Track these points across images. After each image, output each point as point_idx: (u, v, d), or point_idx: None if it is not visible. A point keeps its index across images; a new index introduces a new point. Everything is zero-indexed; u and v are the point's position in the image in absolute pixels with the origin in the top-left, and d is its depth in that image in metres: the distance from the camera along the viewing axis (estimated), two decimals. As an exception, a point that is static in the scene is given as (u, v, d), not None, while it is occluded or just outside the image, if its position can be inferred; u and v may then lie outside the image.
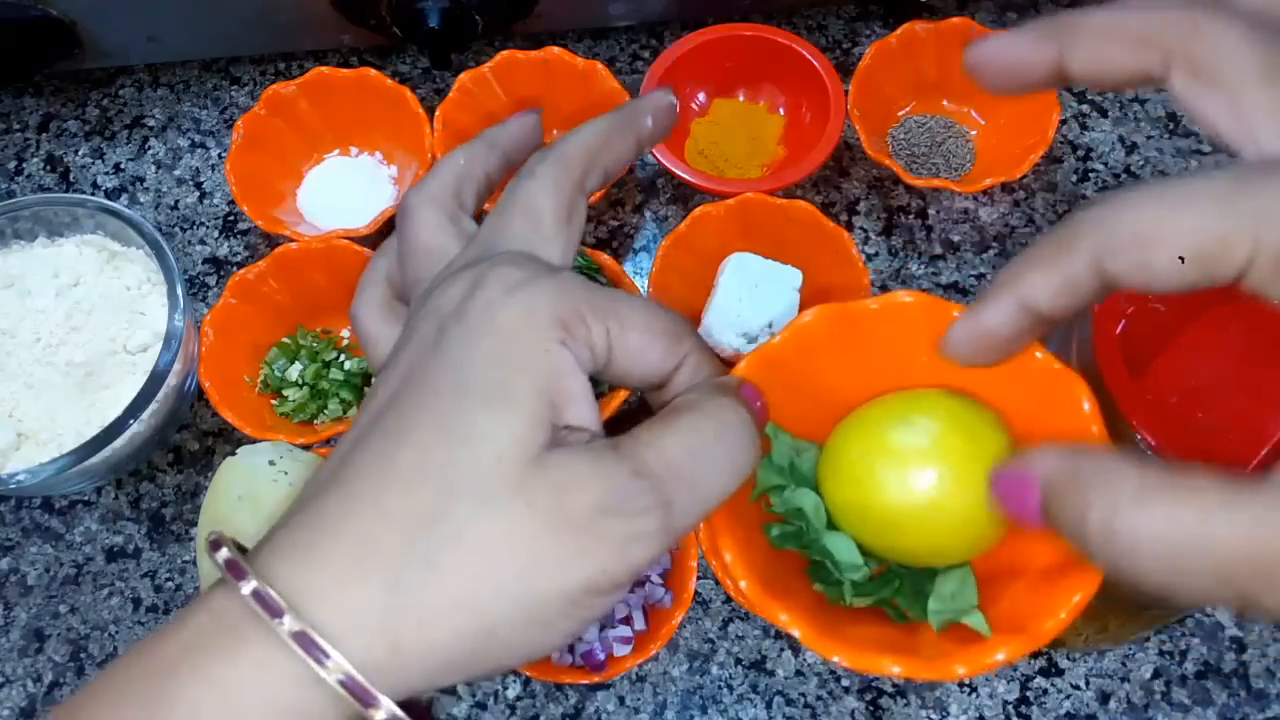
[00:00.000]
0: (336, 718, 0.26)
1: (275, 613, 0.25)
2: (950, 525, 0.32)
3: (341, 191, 0.73)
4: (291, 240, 0.67)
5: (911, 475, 0.32)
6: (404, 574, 0.26)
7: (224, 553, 0.27)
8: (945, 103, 0.75)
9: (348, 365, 0.68)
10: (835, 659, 0.31)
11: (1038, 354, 0.33)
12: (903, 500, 0.32)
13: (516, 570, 0.26)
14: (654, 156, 0.71)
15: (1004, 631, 0.31)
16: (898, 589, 0.34)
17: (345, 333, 0.70)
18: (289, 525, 0.28)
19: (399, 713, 0.25)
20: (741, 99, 0.76)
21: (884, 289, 0.71)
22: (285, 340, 0.68)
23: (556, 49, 0.72)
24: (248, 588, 0.26)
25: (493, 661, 0.27)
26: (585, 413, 0.28)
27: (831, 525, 0.34)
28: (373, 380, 0.33)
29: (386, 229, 0.72)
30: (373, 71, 0.72)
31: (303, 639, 0.25)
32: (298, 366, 0.67)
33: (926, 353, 0.33)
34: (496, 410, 0.27)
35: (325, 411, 0.66)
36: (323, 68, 0.72)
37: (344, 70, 0.72)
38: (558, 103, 0.73)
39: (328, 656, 0.25)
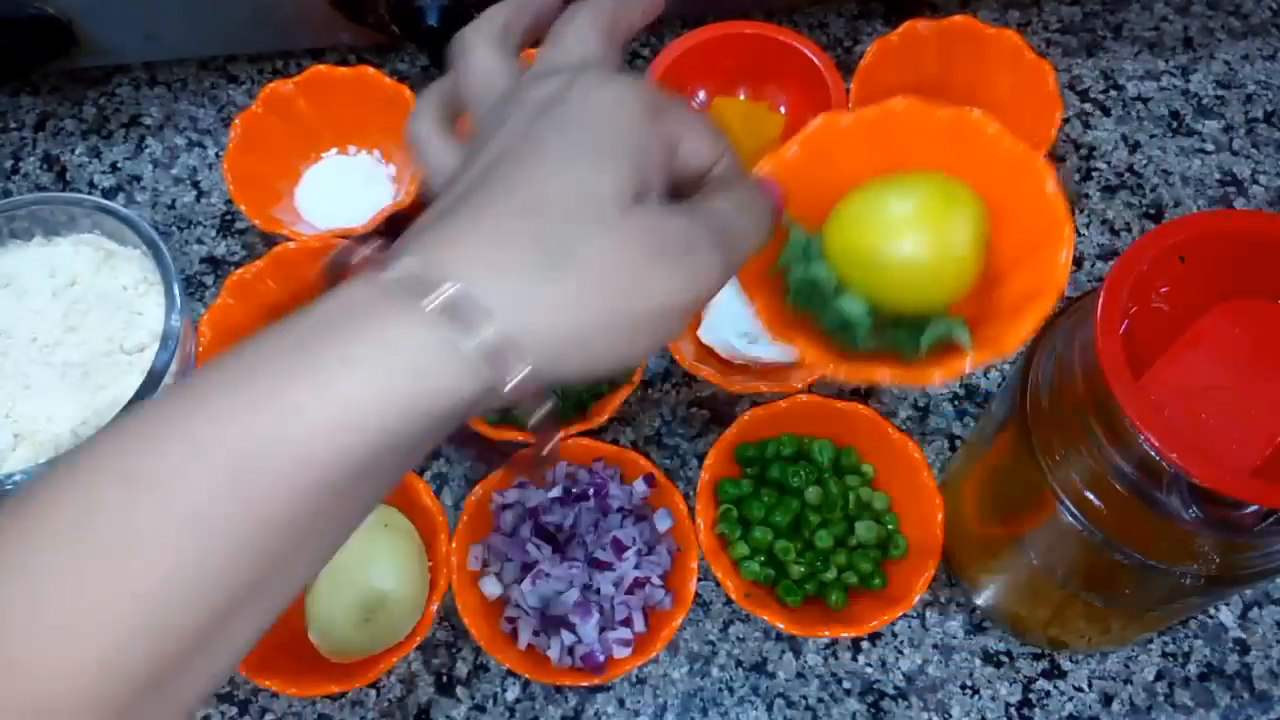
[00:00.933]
0: (470, 388, 0.29)
1: (426, 288, 0.29)
2: (933, 271, 0.40)
3: (339, 190, 0.73)
4: (289, 239, 0.67)
5: (901, 234, 0.39)
6: (535, 273, 0.30)
7: (365, 248, 0.32)
8: (946, 102, 0.74)
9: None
10: (831, 370, 0.41)
11: (1007, 141, 0.42)
12: (895, 254, 0.39)
13: (621, 287, 0.30)
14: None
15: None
16: (896, 336, 0.42)
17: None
18: (420, 237, 0.31)
19: (527, 381, 0.29)
20: (743, 97, 0.75)
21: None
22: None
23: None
24: (396, 272, 0.29)
25: (581, 366, 0.31)
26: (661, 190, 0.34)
27: (839, 288, 0.41)
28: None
29: (385, 227, 0.72)
30: (371, 70, 0.72)
31: (452, 309, 0.28)
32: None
33: (917, 146, 0.42)
34: (605, 159, 0.32)
35: (323, 412, 0.66)
36: (321, 66, 0.72)
37: (342, 69, 0.72)
38: None
39: (474, 327, 0.28)
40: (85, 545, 0.27)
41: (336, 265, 0.33)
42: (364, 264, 0.31)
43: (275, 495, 0.28)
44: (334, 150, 0.75)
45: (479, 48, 0.39)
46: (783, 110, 0.75)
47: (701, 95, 0.75)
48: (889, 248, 0.40)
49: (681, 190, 0.35)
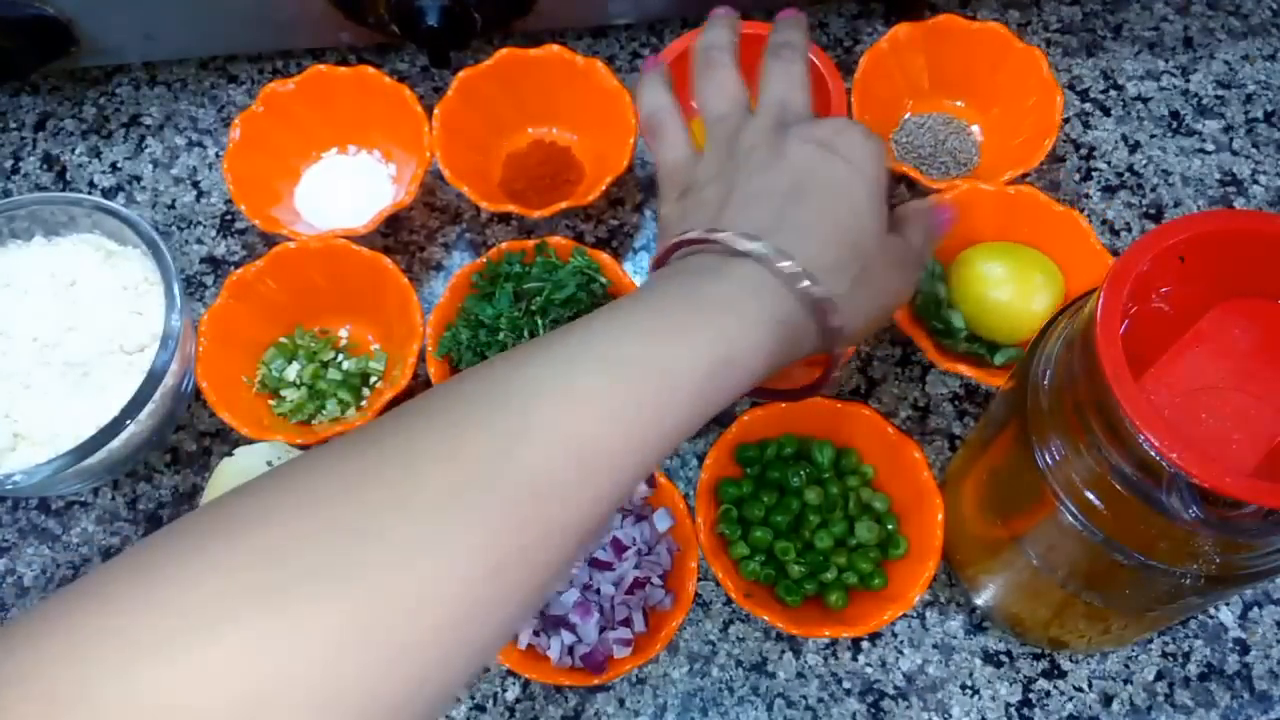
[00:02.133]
0: (812, 344, 0.45)
1: (808, 279, 0.43)
2: (1014, 317, 0.62)
3: (339, 190, 0.73)
4: (289, 239, 0.67)
5: (997, 288, 0.63)
6: (851, 280, 0.45)
7: (765, 244, 0.43)
8: (944, 101, 0.74)
9: (346, 365, 0.67)
10: (931, 357, 0.63)
11: (1081, 223, 0.64)
12: (990, 299, 0.63)
13: (884, 289, 0.48)
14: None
15: None
16: (982, 349, 0.64)
17: (343, 332, 0.70)
18: (773, 237, 0.44)
19: (842, 344, 0.46)
20: (742, 98, 0.75)
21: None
22: (283, 340, 0.68)
23: (556, 47, 0.71)
24: (790, 265, 0.43)
25: (859, 336, 0.49)
26: None
27: (951, 305, 0.64)
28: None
29: (386, 227, 0.72)
30: (371, 70, 0.72)
31: (820, 296, 0.43)
32: (295, 366, 0.67)
33: (1026, 218, 0.66)
34: (877, 202, 0.47)
35: (323, 411, 0.66)
36: (321, 66, 0.72)
37: (342, 68, 0.72)
38: (556, 100, 0.73)
39: (829, 309, 0.44)
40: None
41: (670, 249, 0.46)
42: (703, 241, 0.45)
43: (678, 408, 0.38)
44: (334, 150, 0.75)
45: (726, 60, 0.52)
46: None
47: (701, 95, 0.75)
48: (987, 294, 0.63)
49: None
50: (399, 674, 0.30)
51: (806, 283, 0.43)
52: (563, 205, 0.68)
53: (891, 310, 0.50)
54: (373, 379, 0.67)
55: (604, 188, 0.68)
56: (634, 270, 0.72)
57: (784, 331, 0.42)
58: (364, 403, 0.66)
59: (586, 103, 0.72)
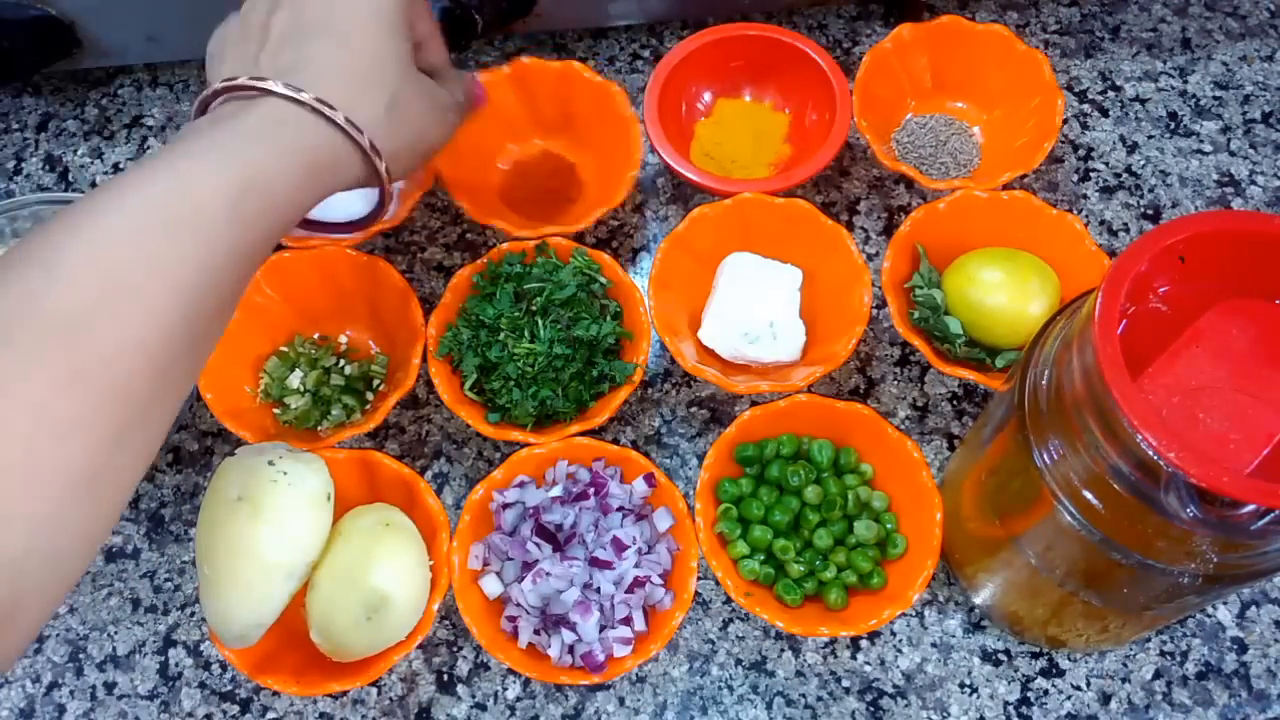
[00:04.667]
0: (351, 174, 0.48)
1: (330, 108, 0.45)
2: (1010, 320, 0.62)
3: (337, 198, 0.72)
4: (285, 247, 0.67)
5: (992, 293, 0.63)
6: (380, 107, 0.48)
7: (280, 81, 0.45)
8: (946, 102, 0.75)
9: (348, 370, 0.67)
10: (934, 364, 0.63)
11: (1076, 226, 0.65)
12: (986, 304, 0.63)
13: (420, 126, 0.51)
14: (660, 158, 0.71)
15: None
16: (981, 353, 0.64)
17: (343, 338, 0.70)
18: (293, 77, 0.46)
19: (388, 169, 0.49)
20: (747, 99, 0.76)
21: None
22: (283, 348, 0.68)
23: (578, 64, 0.71)
24: (309, 96, 0.45)
25: (402, 169, 0.51)
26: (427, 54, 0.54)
27: (948, 312, 0.64)
28: None
29: (380, 235, 0.72)
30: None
31: (350, 123, 0.46)
32: (298, 374, 0.67)
33: (1021, 223, 0.66)
34: (397, 37, 0.49)
35: (328, 417, 0.66)
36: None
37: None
38: (570, 116, 0.73)
39: (362, 133, 0.47)
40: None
41: (206, 101, 0.47)
42: (233, 89, 0.46)
43: (210, 232, 0.41)
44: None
45: None
46: (786, 111, 0.75)
47: (706, 97, 0.75)
48: (984, 299, 0.63)
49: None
50: None
51: (329, 110, 0.45)
52: (550, 231, 0.67)
53: (431, 144, 0.53)
54: (375, 382, 0.67)
55: (596, 219, 0.68)
56: (634, 271, 0.72)
57: (316, 157, 0.45)
58: (368, 406, 0.67)
59: (598, 124, 0.72)
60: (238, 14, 0.50)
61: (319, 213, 0.50)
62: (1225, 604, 0.62)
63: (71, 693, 0.62)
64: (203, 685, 0.62)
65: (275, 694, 0.61)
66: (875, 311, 0.69)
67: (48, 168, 0.78)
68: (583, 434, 0.62)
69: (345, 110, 0.46)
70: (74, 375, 0.36)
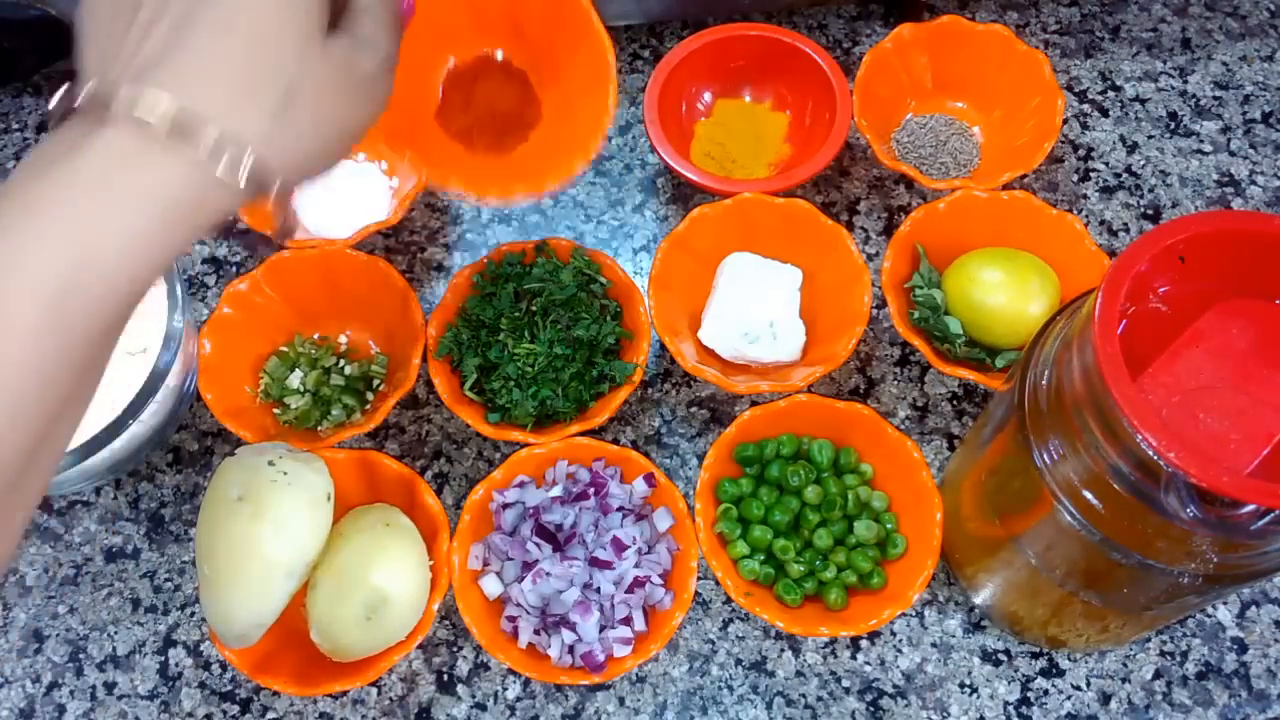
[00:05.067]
0: (230, 204, 0.36)
1: (193, 132, 0.34)
2: (1010, 320, 0.62)
3: (340, 199, 0.73)
4: (285, 247, 0.67)
5: (992, 293, 0.63)
6: (270, 113, 0.36)
7: (124, 102, 0.34)
8: (946, 102, 0.75)
9: (348, 370, 0.67)
10: (933, 362, 0.63)
11: (1076, 226, 0.65)
12: (986, 304, 0.63)
13: (330, 115, 0.38)
14: (660, 158, 0.71)
15: None
16: (981, 353, 0.64)
17: (343, 338, 0.70)
18: (156, 76, 0.34)
19: (281, 193, 0.37)
20: (747, 99, 0.76)
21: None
22: (284, 348, 0.68)
23: None
24: (164, 120, 0.33)
25: (311, 170, 0.39)
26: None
27: (948, 312, 0.64)
28: None
29: (387, 228, 0.72)
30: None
31: (221, 148, 0.34)
32: (298, 374, 0.67)
33: (1020, 222, 0.66)
34: (299, 6, 0.36)
35: (328, 417, 0.66)
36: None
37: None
38: (517, 13, 0.57)
39: (239, 159, 0.34)
40: None
41: (59, 111, 0.35)
42: (91, 103, 0.34)
43: (21, 348, 0.31)
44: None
45: None
46: (786, 111, 0.75)
47: (707, 97, 0.75)
48: (984, 299, 0.63)
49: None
50: None
51: (193, 134, 0.33)
52: (519, 196, 0.54)
53: (351, 131, 0.40)
54: (375, 382, 0.67)
55: (569, 175, 0.54)
56: (634, 271, 0.72)
57: (177, 198, 0.34)
58: (368, 406, 0.67)
59: (559, 41, 0.56)
60: None
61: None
62: (1225, 604, 0.62)
63: (71, 693, 0.62)
64: (203, 685, 0.62)
65: (275, 694, 0.61)
66: (875, 311, 0.69)
67: (48, 168, 0.77)
68: (583, 434, 0.62)
69: (220, 122, 0.34)
70: None
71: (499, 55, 0.57)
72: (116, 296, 0.33)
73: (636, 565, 0.59)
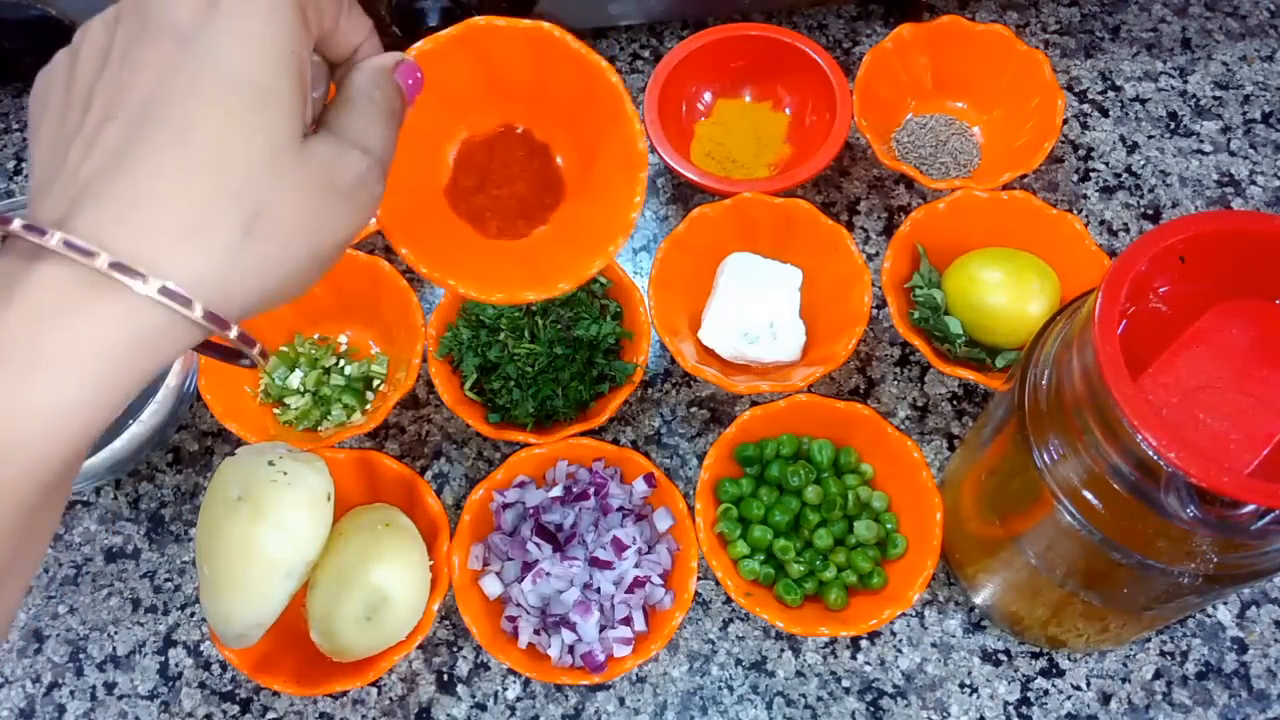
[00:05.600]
0: (187, 344, 0.31)
1: (137, 275, 0.29)
2: (1010, 321, 0.62)
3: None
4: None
5: (992, 293, 0.63)
6: (231, 245, 0.31)
7: (59, 237, 0.29)
8: (946, 102, 0.75)
9: (348, 370, 0.67)
10: (935, 364, 0.63)
11: (1076, 226, 0.65)
12: (986, 304, 0.63)
13: (307, 231, 0.32)
14: (660, 158, 0.71)
15: None
16: (982, 353, 0.64)
17: (343, 338, 0.70)
18: (98, 202, 0.30)
19: (242, 331, 0.32)
20: (748, 99, 0.76)
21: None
22: (284, 348, 0.68)
23: (548, 26, 0.44)
24: (104, 261, 0.29)
25: (286, 296, 0.34)
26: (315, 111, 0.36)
27: (948, 312, 0.64)
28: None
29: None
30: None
31: (168, 293, 0.29)
32: (298, 374, 0.67)
33: (1020, 222, 0.66)
34: (271, 110, 0.31)
35: (328, 417, 0.66)
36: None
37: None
38: (541, 86, 0.56)
39: (190, 303, 0.30)
40: None
41: None
42: (72, 245, 0.29)
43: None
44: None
45: None
46: (787, 111, 0.75)
47: (707, 97, 0.75)
48: (984, 299, 0.63)
49: (325, 54, 0.36)
50: None
51: (138, 274, 0.29)
52: (530, 296, 0.46)
53: (330, 254, 0.34)
54: (375, 383, 0.67)
55: (595, 268, 0.45)
56: (634, 271, 0.72)
57: (120, 347, 0.29)
58: (368, 406, 0.67)
59: (582, 110, 0.47)
60: (69, 50, 0.33)
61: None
62: (1225, 604, 0.62)
63: (71, 693, 0.62)
64: (203, 685, 0.62)
65: (275, 694, 0.61)
66: (875, 311, 0.69)
67: (48, 168, 0.77)
68: (583, 434, 0.62)
69: (169, 260, 0.29)
70: None
71: (519, 129, 0.49)
72: (49, 463, 0.29)
73: (636, 565, 0.59)
